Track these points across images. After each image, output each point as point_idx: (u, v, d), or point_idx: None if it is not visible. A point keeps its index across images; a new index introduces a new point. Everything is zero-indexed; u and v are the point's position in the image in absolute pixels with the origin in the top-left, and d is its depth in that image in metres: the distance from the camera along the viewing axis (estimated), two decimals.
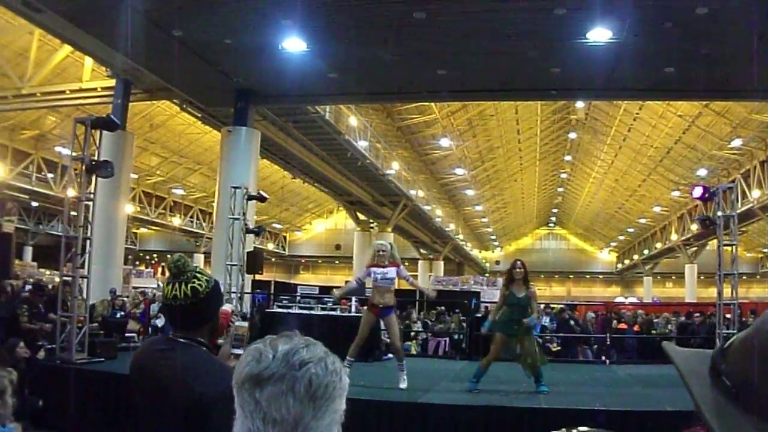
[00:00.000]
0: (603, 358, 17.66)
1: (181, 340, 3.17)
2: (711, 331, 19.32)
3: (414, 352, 19.62)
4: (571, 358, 18.97)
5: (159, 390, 3.07)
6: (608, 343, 18.36)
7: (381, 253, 11.11)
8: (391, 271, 10.95)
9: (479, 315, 19.48)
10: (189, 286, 3.18)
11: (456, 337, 20.61)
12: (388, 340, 13.07)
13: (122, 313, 19.54)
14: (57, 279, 15.71)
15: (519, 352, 11.21)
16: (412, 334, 21.16)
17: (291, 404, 1.53)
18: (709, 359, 1.46)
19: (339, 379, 1.61)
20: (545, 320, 21.66)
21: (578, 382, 12.77)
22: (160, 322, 18.32)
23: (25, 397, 10.45)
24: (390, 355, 15.69)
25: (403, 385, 10.71)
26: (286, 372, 1.55)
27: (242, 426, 1.58)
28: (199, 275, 3.26)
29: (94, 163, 12.55)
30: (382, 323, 11.81)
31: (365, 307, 11.62)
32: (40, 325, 13.55)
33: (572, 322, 20.87)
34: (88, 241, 12.65)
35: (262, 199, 19.03)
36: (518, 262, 11.50)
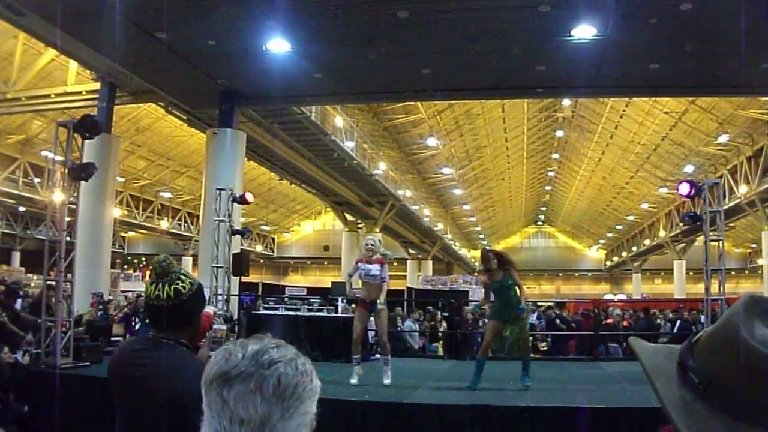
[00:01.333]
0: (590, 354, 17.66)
1: (163, 340, 3.16)
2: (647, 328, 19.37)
3: (441, 353, 19.53)
4: (562, 355, 19.00)
5: (140, 389, 3.05)
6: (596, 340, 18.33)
7: (368, 247, 11.26)
8: (375, 268, 11.00)
9: (447, 314, 19.73)
10: (172, 287, 3.18)
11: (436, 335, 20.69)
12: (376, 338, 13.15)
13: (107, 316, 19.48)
14: None
15: (508, 337, 11.24)
16: (439, 335, 21.09)
17: (258, 403, 1.50)
18: (676, 355, 1.44)
19: (309, 381, 1.58)
20: (533, 318, 21.71)
21: (566, 379, 12.76)
22: (136, 325, 18.26)
23: (9, 403, 10.40)
24: (377, 356, 15.70)
25: (387, 381, 10.76)
26: (254, 371, 1.53)
27: (209, 426, 1.56)
28: (183, 277, 3.26)
29: (76, 166, 12.48)
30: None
31: (355, 305, 11.65)
32: (33, 319, 13.52)
33: (558, 321, 20.93)
34: (73, 245, 12.59)
35: (245, 201, 18.94)
36: (489, 253, 11.47)
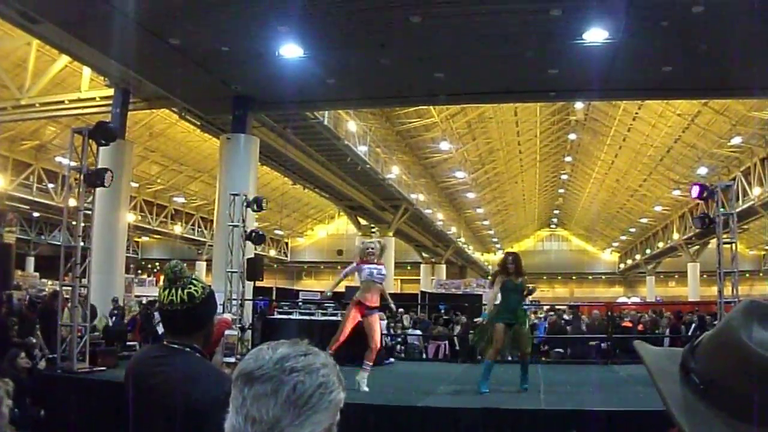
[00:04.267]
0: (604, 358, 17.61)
1: (176, 346, 3.19)
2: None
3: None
4: (576, 358, 18.97)
5: (156, 396, 3.08)
6: (610, 343, 18.29)
7: (370, 251, 11.08)
8: (384, 268, 10.96)
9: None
10: (185, 291, 3.21)
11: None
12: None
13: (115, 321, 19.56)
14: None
15: (510, 342, 11.56)
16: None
17: (271, 406, 1.54)
18: (679, 357, 1.48)
19: (328, 393, 1.61)
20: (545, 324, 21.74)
21: (579, 382, 12.78)
22: (160, 329, 18.32)
23: (26, 408, 10.47)
24: (392, 360, 15.74)
25: (365, 388, 10.62)
26: (275, 375, 1.57)
27: (229, 420, 1.60)
28: (195, 281, 3.29)
29: (92, 172, 12.56)
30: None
31: (350, 304, 11.28)
32: (27, 340, 13.66)
33: (562, 322, 20.94)
34: (87, 251, 12.67)
35: (260, 206, 19.01)
36: (509, 257, 11.86)
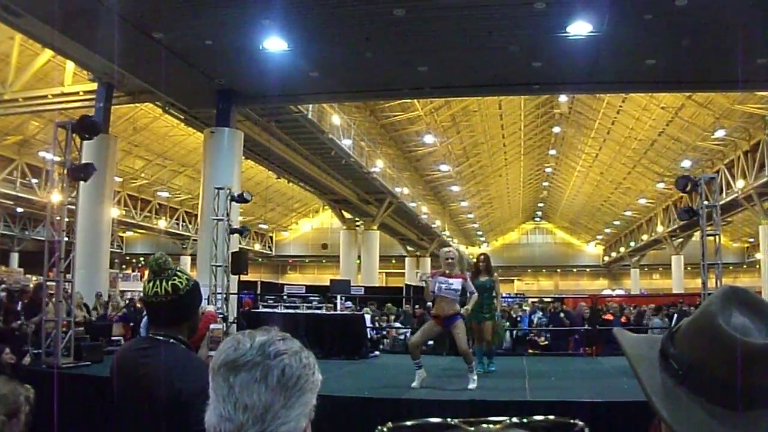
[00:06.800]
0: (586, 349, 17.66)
1: (161, 338, 3.21)
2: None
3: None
4: (562, 351, 19.01)
5: (140, 388, 3.09)
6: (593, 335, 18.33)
7: (449, 261, 10.94)
8: (456, 283, 10.79)
9: None
10: (170, 282, 3.23)
11: None
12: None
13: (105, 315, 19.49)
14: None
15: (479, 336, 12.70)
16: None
17: (262, 391, 1.57)
18: (658, 344, 1.50)
19: (312, 374, 1.65)
20: (538, 315, 21.71)
21: (564, 374, 12.82)
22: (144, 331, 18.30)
23: None
24: (377, 353, 15.81)
25: (472, 385, 10.56)
26: (261, 360, 1.60)
27: (214, 411, 1.61)
28: (179, 273, 3.31)
29: (75, 166, 12.51)
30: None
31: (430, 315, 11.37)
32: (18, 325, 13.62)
33: (562, 315, 20.96)
34: (72, 246, 12.62)
35: (244, 200, 19.00)
36: (481, 256, 13.21)
